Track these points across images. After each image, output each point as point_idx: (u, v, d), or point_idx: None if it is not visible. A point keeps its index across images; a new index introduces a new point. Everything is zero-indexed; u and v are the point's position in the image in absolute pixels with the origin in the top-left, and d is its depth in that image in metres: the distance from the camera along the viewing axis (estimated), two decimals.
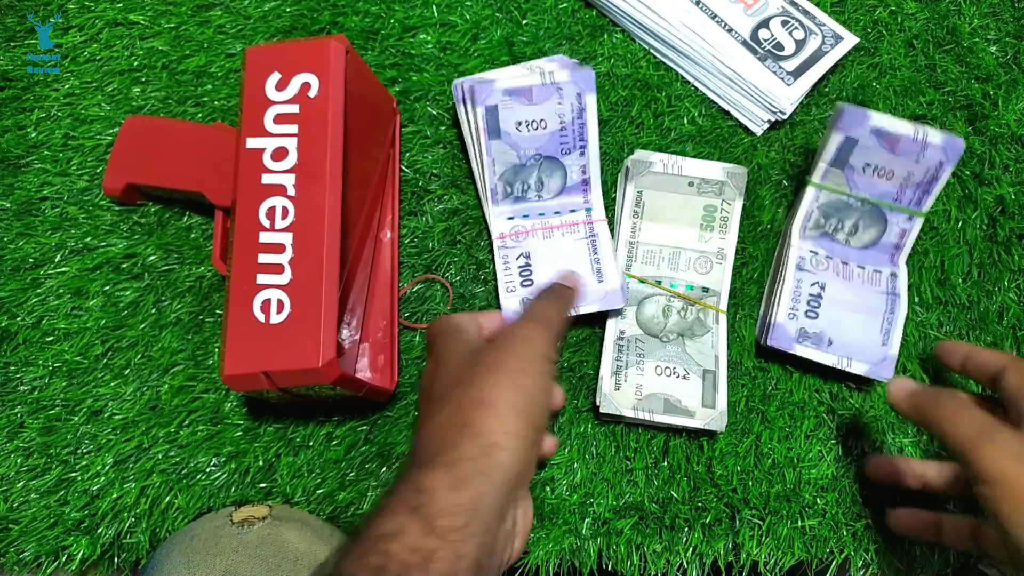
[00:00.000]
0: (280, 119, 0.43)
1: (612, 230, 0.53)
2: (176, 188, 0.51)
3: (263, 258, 0.41)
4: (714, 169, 0.52)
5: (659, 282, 0.51)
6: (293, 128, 0.43)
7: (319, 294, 0.40)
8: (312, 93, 0.43)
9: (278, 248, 0.41)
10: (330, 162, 0.42)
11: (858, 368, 0.49)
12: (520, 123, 0.51)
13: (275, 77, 0.43)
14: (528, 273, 0.50)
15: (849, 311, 0.51)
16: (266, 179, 0.42)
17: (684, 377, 0.49)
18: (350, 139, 0.44)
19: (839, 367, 0.49)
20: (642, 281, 0.50)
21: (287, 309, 0.40)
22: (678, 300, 0.50)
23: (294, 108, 0.43)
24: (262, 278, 0.41)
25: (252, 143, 0.43)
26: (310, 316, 0.40)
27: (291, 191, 0.42)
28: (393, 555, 0.27)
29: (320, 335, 0.39)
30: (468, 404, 0.32)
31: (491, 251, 0.53)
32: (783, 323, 0.50)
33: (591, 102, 0.51)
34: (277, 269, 0.41)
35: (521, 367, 0.34)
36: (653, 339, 0.51)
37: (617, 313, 0.51)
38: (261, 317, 0.40)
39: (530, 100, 0.50)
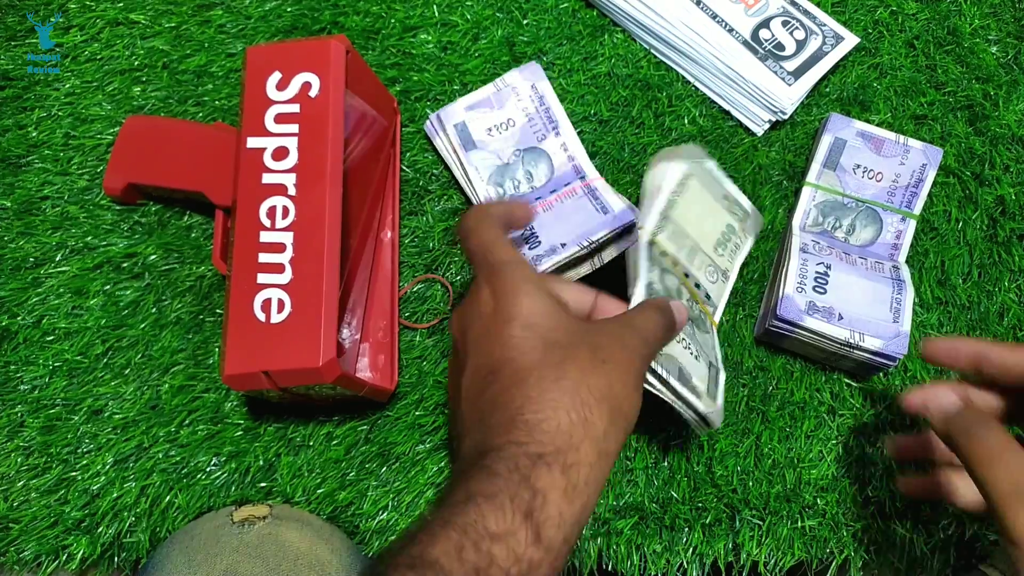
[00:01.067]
0: (281, 119, 0.43)
1: (638, 203, 0.51)
2: (176, 188, 0.51)
3: (264, 257, 0.41)
4: (744, 199, 0.53)
5: (676, 263, 0.50)
6: (294, 128, 0.43)
7: (320, 294, 0.40)
8: (313, 93, 0.43)
9: (279, 247, 0.41)
10: (331, 162, 0.42)
11: (872, 343, 0.48)
12: (490, 129, 0.53)
13: (276, 77, 0.43)
14: (536, 239, 0.48)
15: (857, 290, 0.50)
16: (267, 179, 0.42)
17: (696, 357, 0.48)
18: (351, 139, 0.44)
19: (852, 342, 0.48)
20: (664, 254, 0.48)
21: (287, 308, 0.40)
22: (687, 290, 0.50)
23: (295, 108, 0.43)
24: (263, 277, 0.41)
25: (253, 143, 0.43)
26: (311, 316, 0.40)
27: (292, 191, 0.42)
28: (496, 559, 0.24)
29: (320, 335, 0.39)
30: (591, 394, 0.29)
31: None
32: (792, 295, 0.49)
33: (546, 88, 0.54)
34: (278, 268, 0.41)
35: (634, 382, 0.31)
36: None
37: (644, 254, 0.48)
38: (262, 317, 0.40)
39: (491, 107, 0.53)
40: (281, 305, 0.40)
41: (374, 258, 0.52)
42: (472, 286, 0.35)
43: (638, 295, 0.45)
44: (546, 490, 0.26)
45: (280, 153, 0.42)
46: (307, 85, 0.43)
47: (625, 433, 0.30)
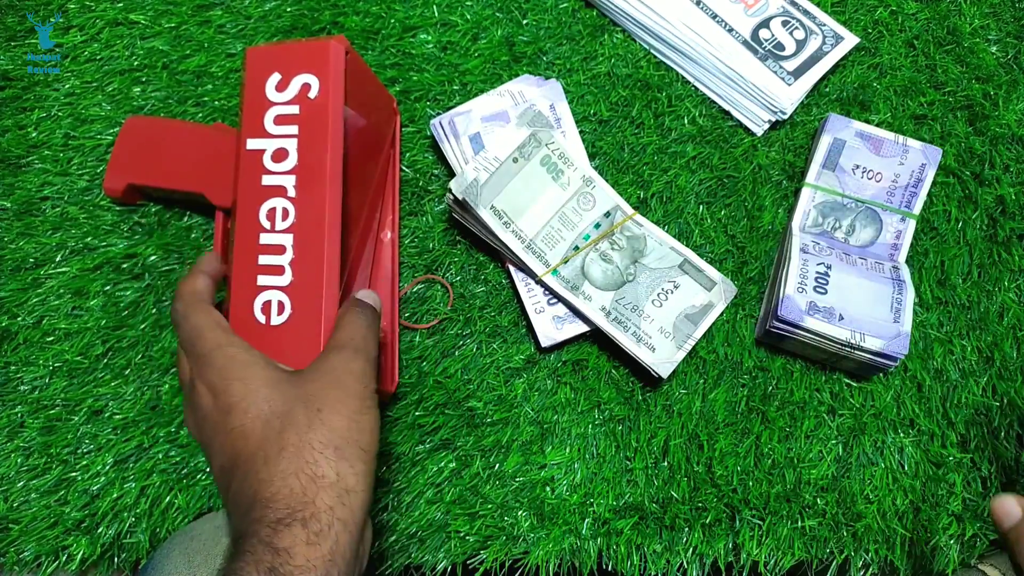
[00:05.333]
0: (280, 120, 0.43)
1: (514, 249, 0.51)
2: (176, 189, 0.51)
3: (264, 259, 0.41)
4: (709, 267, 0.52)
5: (576, 248, 0.51)
6: (293, 129, 0.43)
7: (319, 296, 0.40)
8: (312, 94, 0.43)
9: (279, 250, 0.41)
10: (330, 163, 0.42)
11: (872, 344, 0.48)
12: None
13: (275, 78, 0.43)
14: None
15: (857, 290, 0.50)
16: (266, 180, 0.42)
17: (676, 285, 0.51)
18: (350, 140, 0.44)
19: (853, 342, 0.48)
20: (565, 261, 0.50)
21: (287, 311, 0.40)
22: (602, 242, 0.51)
23: (294, 109, 0.43)
24: (263, 279, 0.41)
25: (252, 144, 0.43)
26: (311, 318, 0.40)
27: (291, 192, 0.42)
28: None
29: (321, 337, 0.39)
30: (313, 450, 0.31)
31: (503, 265, 0.53)
32: (792, 295, 0.49)
33: (564, 110, 0.54)
34: (278, 271, 0.41)
35: (356, 405, 0.33)
36: (625, 288, 0.50)
37: (584, 302, 0.50)
38: (262, 319, 0.40)
39: (508, 121, 0.53)
40: (281, 307, 0.40)
41: (374, 258, 0.51)
42: (191, 382, 0.36)
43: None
44: (290, 547, 0.29)
45: (280, 155, 0.42)
46: (307, 86, 0.43)
47: (366, 455, 0.32)
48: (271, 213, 0.41)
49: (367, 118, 0.49)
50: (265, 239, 0.41)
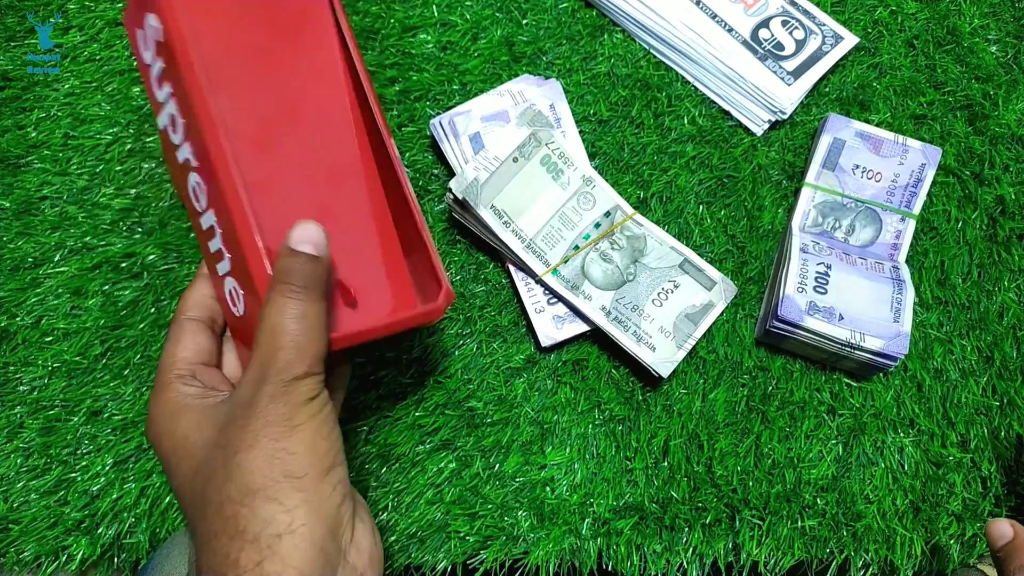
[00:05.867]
0: (159, 83, 0.35)
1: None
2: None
3: (212, 246, 0.35)
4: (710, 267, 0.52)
5: (576, 247, 0.51)
6: (168, 89, 0.35)
7: (251, 275, 0.32)
8: (160, 37, 0.34)
9: (210, 233, 0.35)
10: (199, 107, 0.33)
11: (872, 344, 0.48)
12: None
13: (140, 35, 0.36)
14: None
15: (857, 290, 0.50)
16: (179, 157, 0.35)
17: (676, 285, 0.51)
18: (230, 67, 0.36)
19: (853, 342, 0.48)
20: (565, 260, 0.50)
21: (240, 298, 0.34)
22: (602, 241, 0.51)
23: (160, 64, 0.35)
24: (219, 267, 0.35)
25: (160, 121, 0.36)
26: (254, 298, 0.32)
27: (193, 161, 0.34)
28: None
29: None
30: (232, 503, 0.28)
31: (503, 265, 0.53)
32: (792, 295, 0.49)
33: (564, 109, 0.54)
34: (219, 257, 0.35)
35: (276, 430, 0.28)
36: (625, 288, 0.50)
37: (584, 302, 0.50)
38: (233, 310, 0.35)
39: (508, 120, 0.53)
40: (235, 295, 0.34)
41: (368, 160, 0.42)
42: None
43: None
44: None
45: (174, 124, 0.35)
46: (155, 30, 0.34)
47: (302, 480, 0.28)
48: (195, 194, 0.35)
49: (254, 27, 0.38)
50: (201, 221, 0.35)
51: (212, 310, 0.36)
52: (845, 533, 0.50)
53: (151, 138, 0.55)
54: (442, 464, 0.50)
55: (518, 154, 0.51)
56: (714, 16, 0.57)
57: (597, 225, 0.52)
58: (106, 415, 0.50)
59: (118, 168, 0.55)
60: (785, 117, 0.56)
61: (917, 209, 0.54)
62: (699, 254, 0.53)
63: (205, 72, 0.33)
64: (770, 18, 0.58)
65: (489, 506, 0.49)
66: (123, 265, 0.53)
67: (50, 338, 0.51)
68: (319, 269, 0.31)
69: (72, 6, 0.58)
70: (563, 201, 0.52)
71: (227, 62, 0.36)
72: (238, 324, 0.35)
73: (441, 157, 0.55)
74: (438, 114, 0.54)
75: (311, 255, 0.31)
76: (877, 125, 0.56)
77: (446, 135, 0.53)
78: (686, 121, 0.57)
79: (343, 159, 0.40)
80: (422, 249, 0.39)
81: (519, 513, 0.49)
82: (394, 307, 0.40)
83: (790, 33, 0.57)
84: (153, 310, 0.52)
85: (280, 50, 0.39)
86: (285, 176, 0.38)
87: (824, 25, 0.58)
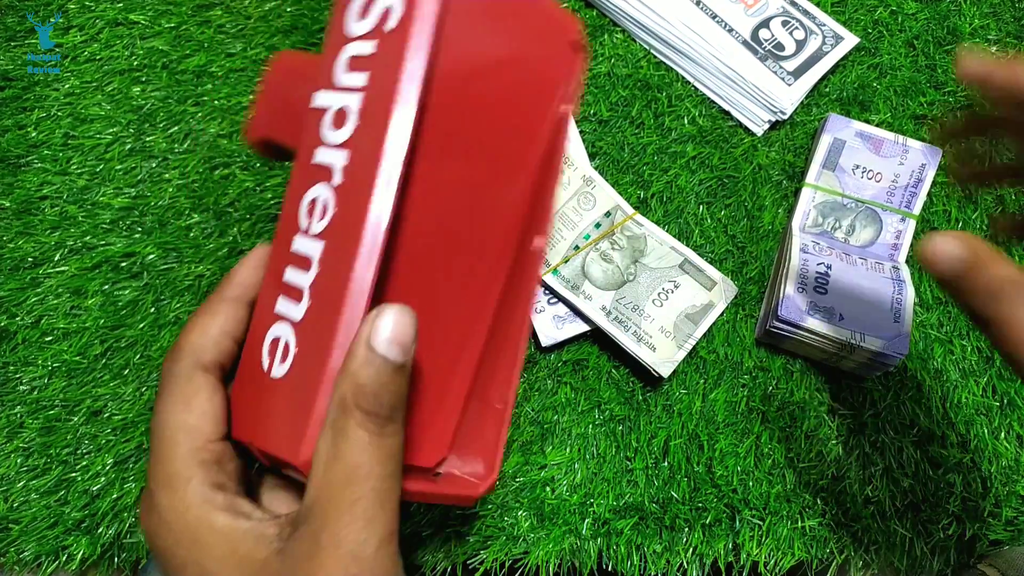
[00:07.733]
0: (354, 65, 0.28)
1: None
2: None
3: (289, 275, 0.27)
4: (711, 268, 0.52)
5: (577, 247, 0.51)
6: (362, 79, 0.27)
7: (329, 349, 0.25)
8: (389, 25, 0.26)
9: (305, 263, 0.27)
10: (392, 142, 0.25)
11: (872, 344, 0.48)
12: None
13: (359, 1, 0.28)
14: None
15: (857, 290, 0.50)
16: (318, 156, 0.28)
17: (676, 285, 0.50)
18: (461, 105, 0.28)
19: (853, 342, 0.48)
20: (566, 260, 0.50)
21: (290, 359, 0.26)
22: (603, 241, 0.51)
23: (368, 47, 0.27)
24: (281, 305, 0.27)
25: (319, 99, 0.28)
26: (310, 380, 0.25)
27: (337, 178, 0.27)
28: None
29: (312, 415, 0.25)
30: None
31: None
32: (793, 295, 0.49)
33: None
34: (296, 295, 0.27)
35: (353, 570, 0.22)
36: (625, 288, 0.51)
37: (585, 302, 0.50)
38: (266, 362, 0.27)
39: None
40: (286, 351, 0.27)
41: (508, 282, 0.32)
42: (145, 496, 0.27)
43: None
44: None
45: (340, 118, 0.27)
46: (386, 13, 0.27)
47: None
48: (312, 206, 0.28)
49: (503, 72, 0.30)
50: (298, 244, 0.28)
51: (224, 354, 0.28)
52: (845, 533, 0.50)
53: (151, 138, 0.55)
54: None
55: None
56: (714, 16, 0.57)
57: (597, 225, 0.52)
58: (106, 415, 0.50)
59: (118, 168, 0.55)
60: (785, 117, 0.56)
61: (917, 209, 0.54)
62: (699, 254, 0.53)
63: (408, 106, 0.26)
64: (770, 18, 0.58)
65: (489, 506, 0.49)
66: (123, 265, 0.53)
67: (50, 338, 0.51)
68: (405, 383, 0.23)
69: (72, 6, 0.58)
70: (563, 201, 0.52)
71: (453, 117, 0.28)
72: (260, 383, 0.27)
73: None
74: None
75: (398, 364, 0.23)
76: (877, 125, 0.56)
77: None
78: (686, 121, 0.58)
79: (478, 282, 0.32)
80: (494, 414, 0.32)
81: (519, 513, 0.49)
82: (426, 453, 0.32)
83: (790, 33, 0.57)
84: (152, 310, 0.52)
85: (491, 122, 0.30)
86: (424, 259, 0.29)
87: (824, 25, 0.58)
